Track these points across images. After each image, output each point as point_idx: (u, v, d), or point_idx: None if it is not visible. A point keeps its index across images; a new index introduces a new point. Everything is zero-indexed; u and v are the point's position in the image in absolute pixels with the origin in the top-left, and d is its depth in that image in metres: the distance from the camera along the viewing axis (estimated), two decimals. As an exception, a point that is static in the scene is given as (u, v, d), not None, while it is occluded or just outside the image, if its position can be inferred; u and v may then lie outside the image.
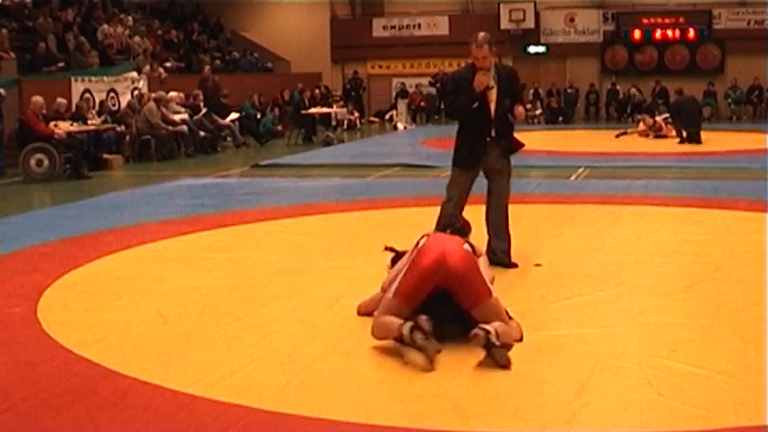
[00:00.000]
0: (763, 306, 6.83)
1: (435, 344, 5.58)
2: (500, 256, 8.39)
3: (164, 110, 21.15)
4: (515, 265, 8.36)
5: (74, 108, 19.60)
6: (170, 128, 20.79)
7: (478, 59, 8.17)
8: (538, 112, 32.50)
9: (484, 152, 8.36)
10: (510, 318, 6.13)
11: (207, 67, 26.34)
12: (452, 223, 6.90)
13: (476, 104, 8.21)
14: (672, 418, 4.72)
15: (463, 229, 6.81)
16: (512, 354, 5.70)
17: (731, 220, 10.70)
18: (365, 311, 6.57)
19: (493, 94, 8.22)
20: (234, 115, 24.66)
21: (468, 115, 8.33)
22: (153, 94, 21.59)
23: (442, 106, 34.56)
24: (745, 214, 11.12)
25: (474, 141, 8.40)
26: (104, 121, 19.99)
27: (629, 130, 25.27)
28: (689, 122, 23.08)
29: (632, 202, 12.07)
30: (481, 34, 8.21)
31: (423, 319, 5.67)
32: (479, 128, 8.33)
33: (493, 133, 8.31)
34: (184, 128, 21.21)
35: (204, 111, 23.20)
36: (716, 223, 10.57)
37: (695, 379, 5.26)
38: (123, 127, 20.34)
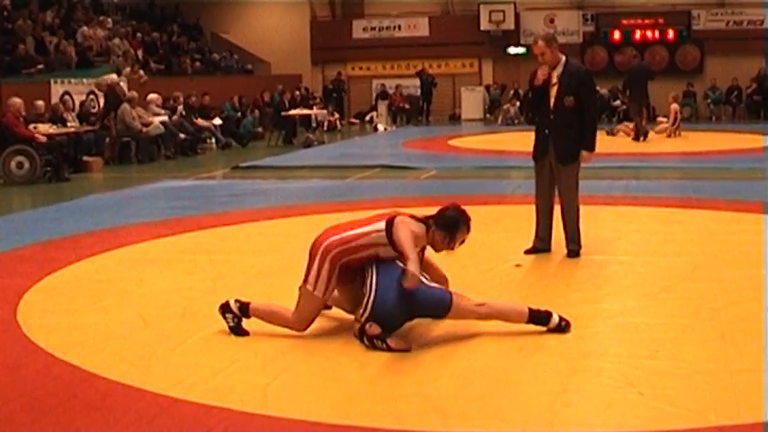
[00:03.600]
0: (742, 305, 6.87)
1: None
2: (569, 248, 8.84)
3: (141, 111, 21.09)
4: (576, 255, 8.79)
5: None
6: (144, 128, 20.69)
7: (537, 57, 8.67)
8: (512, 109, 32.47)
9: (546, 145, 8.76)
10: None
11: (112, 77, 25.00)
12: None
13: (530, 94, 8.92)
14: (653, 417, 4.73)
15: (444, 220, 6.42)
16: (492, 354, 5.76)
17: (711, 220, 10.74)
18: None
19: (554, 90, 8.62)
20: (217, 121, 24.66)
21: (536, 108, 8.85)
22: (126, 95, 21.49)
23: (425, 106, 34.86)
24: (725, 214, 11.16)
25: (537, 133, 8.90)
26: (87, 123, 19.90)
27: (614, 129, 25.10)
28: (634, 96, 22.95)
29: (612, 203, 12.10)
30: (541, 33, 9.02)
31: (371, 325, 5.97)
32: (541, 121, 8.83)
33: (548, 130, 8.71)
34: (160, 127, 21.08)
35: (182, 113, 23.16)
36: (696, 223, 10.61)
37: (676, 378, 5.28)
38: (103, 129, 20.27)
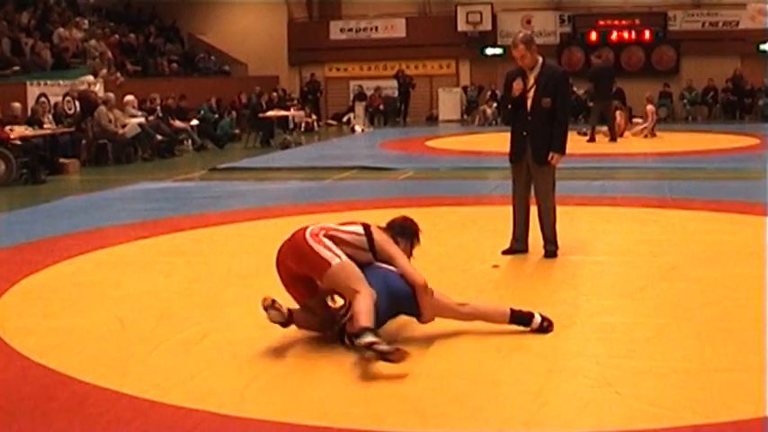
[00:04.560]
0: (719, 305, 6.91)
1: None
2: (546, 248, 8.84)
3: (117, 112, 21.02)
4: (554, 255, 8.77)
5: (29, 112, 19.43)
6: (120, 131, 20.60)
7: (516, 59, 8.65)
8: (489, 110, 32.48)
9: (523, 147, 8.75)
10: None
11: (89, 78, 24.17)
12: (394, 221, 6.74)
13: (509, 106, 8.81)
14: (630, 416, 4.75)
15: (403, 229, 6.51)
16: (471, 354, 5.76)
17: (687, 220, 10.79)
18: None
19: (532, 92, 8.61)
20: (193, 122, 24.66)
21: (513, 109, 8.77)
22: (101, 97, 21.40)
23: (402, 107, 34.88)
24: (700, 214, 11.22)
25: (514, 134, 8.86)
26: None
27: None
28: (598, 96, 23.04)
29: (589, 203, 12.12)
30: (519, 34, 8.81)
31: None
32: (518, 122, 8.79)
33: (526, 132, 8.69)
34: (137, 128, 20.99)
35: (159, 114, 23.09)
36: (672, 223, 10.65)
37: (653, 378, 5.30)
38: (80, 131, 20.18)
